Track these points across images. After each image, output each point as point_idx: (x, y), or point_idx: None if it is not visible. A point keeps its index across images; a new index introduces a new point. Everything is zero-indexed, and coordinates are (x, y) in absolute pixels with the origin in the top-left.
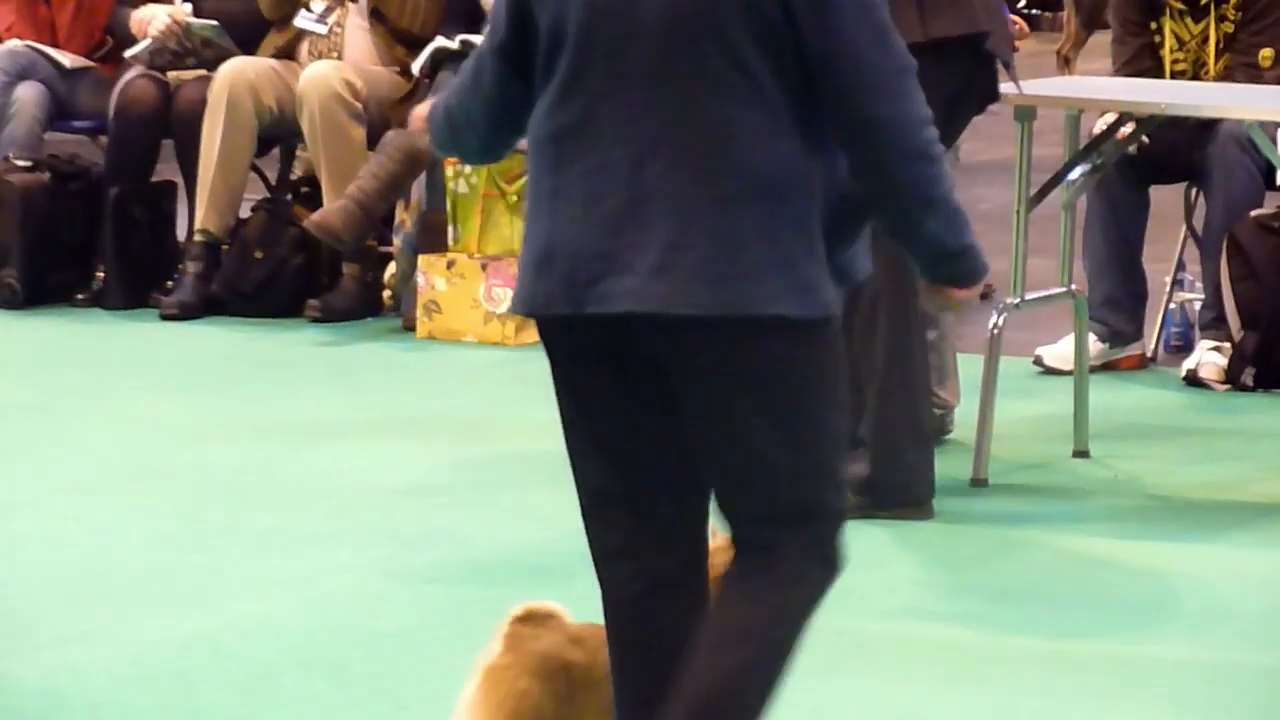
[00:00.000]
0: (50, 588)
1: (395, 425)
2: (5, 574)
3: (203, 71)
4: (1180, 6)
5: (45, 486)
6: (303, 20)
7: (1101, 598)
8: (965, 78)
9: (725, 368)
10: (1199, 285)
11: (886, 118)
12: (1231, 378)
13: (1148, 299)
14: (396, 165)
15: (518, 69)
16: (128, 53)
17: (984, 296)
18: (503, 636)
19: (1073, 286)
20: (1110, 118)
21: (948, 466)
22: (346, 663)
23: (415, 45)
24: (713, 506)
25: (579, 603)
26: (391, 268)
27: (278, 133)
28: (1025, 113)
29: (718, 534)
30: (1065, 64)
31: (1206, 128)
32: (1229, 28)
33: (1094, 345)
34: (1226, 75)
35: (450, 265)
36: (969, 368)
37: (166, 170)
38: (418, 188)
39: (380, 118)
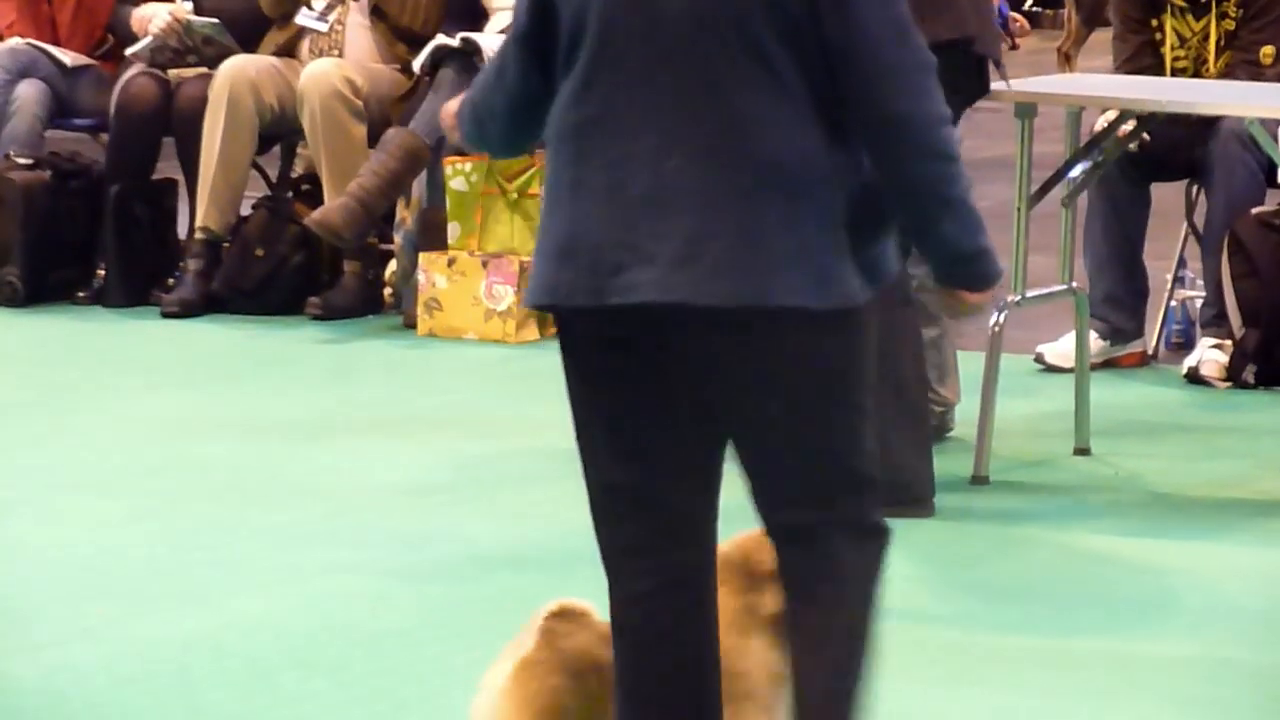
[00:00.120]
0: (51, 586)
1: (396, 423)
2: (5, 573)
3: (204, 69)
4: (1181, 4)
5: (46, 484)
6: (304, 18)
7: (1102, 595)
8: (954, 81)
9: (747, 358)
10: (1200, 282)
11: (906, 114)
12: (1232, 375)
13: (1149, 296)
14: (397, 163)
15: (539, 61)
16: (129, 51)
17: None
18: (536, 631)
19: (1074, 284)
20: (1111, 115)
21: (948, 464)
22: (347, 661)
23: (416, 43)
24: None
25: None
26: (392, 265)
27: (279, 130)
28: (1026, 110)
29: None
30: (1066, 61)
31: (1207, 125)
32: (1230, 25)
33: (1095, 343)
34: (1227, 73)
35: (451, 263)
36: (970, 365)
37: (167, 168)
38: (418, 185)
39: (381, 115)
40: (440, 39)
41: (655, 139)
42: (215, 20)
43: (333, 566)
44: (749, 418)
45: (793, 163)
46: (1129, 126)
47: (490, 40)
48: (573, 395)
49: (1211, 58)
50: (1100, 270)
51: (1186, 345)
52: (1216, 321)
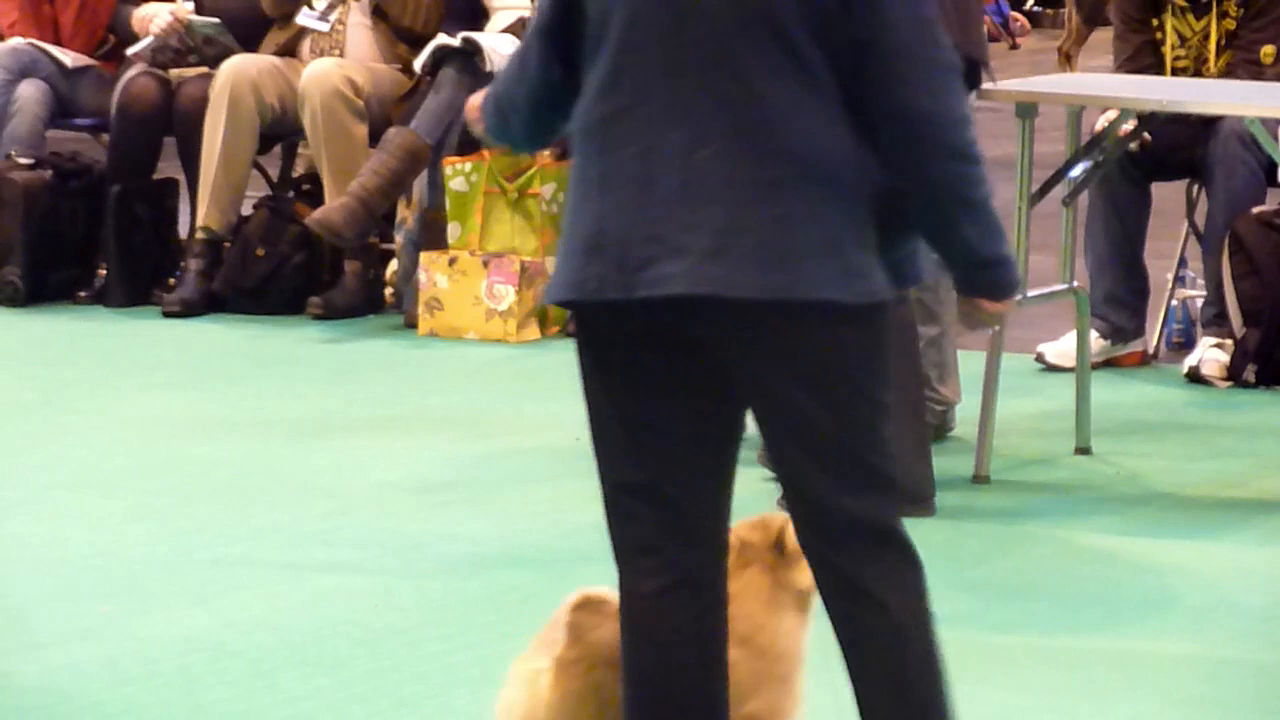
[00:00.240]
0: (52, 585)
1: (397, 422)
2: (7, 572)
3: (204, 69)
4: (1182, 3)
5: (47, 483)
6: (304, 18)
7: (1103, 594)
8: None
9: (775, 351)
10: (1201, 282)
11: (928, 111)
12: (1233, 374)
13: (1149, 295)
14: (398, 162)
15: (561, 54)
16: (130, 50)
17: None
18: (565, 627)
19: (1074, 283)
20: (1112, 114)
21: (949, 463)
22: (348, 660)
23: (417, 43)
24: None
25: None
26: (393, 265)
27: (279, 130)
28: (1027, 109)
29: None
30: (1067, 60)
31: (1208, 124)
32: (1230, 24)
33: (1096, 342)
34: (1228, 72)
35: (452, 262)
36: (970, 364)
37: (168, 168)
38: (419, 185)
39: (382, 115)
40: (441, 39)
41: (684, 132)
42: (216, 20)
43: (333, 566)
44: (770, 408)
45: (822, 156)
46: (1129, 126)
47: (491, 40)
48: (590, 393)
49: (1212, 57)
50: (1101, 269)
51: (1187, 344)
52: (1217, 321)
